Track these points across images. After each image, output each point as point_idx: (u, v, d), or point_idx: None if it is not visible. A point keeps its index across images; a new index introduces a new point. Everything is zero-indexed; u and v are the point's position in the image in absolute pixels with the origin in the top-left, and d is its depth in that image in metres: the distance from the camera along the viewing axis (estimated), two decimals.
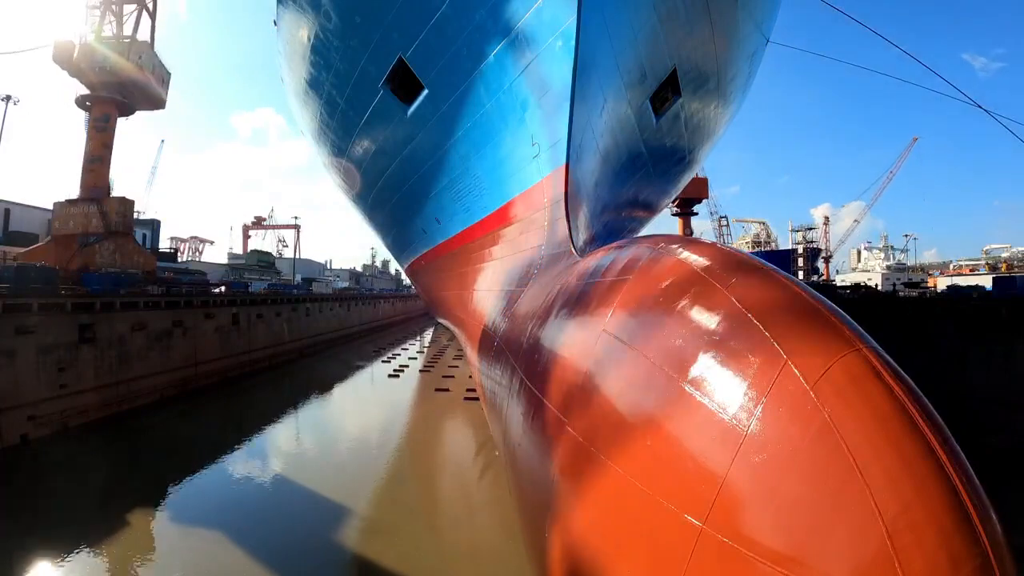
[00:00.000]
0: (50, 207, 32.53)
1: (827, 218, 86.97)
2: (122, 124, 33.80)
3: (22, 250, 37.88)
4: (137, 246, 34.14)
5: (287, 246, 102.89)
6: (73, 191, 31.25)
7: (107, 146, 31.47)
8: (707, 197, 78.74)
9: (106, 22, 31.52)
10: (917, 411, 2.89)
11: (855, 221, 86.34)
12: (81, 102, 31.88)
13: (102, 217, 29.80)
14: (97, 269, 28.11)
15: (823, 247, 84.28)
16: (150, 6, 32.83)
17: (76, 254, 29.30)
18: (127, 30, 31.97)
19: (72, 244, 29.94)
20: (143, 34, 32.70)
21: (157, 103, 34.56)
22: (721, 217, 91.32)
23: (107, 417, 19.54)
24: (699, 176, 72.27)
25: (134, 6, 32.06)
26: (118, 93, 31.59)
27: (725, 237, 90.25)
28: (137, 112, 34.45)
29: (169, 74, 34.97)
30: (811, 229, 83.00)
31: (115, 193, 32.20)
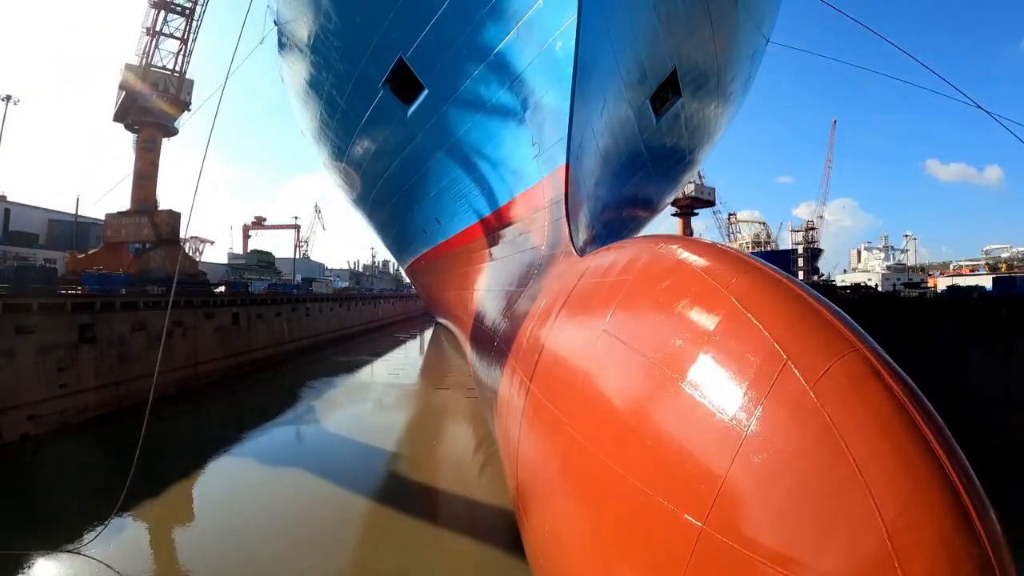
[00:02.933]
0: (50, 207, 33.47)
1: (821, 217, 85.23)
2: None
3: (24, 251, 38.69)
4: (185, 253, 37.43)
5: (303, 244, 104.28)
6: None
7: (154, 164, 35.03)
8: (713, 204, 78.69)
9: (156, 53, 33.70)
10: (917, 411, 2.89)
11: (820, 216, 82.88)
12: (130, 125, 35.00)
13: (153, 228, 33.49)
14: (152, 273, 30.74)
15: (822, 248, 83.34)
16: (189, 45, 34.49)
17: (133, 260, 33.18)
18: (178, 65, 34.13)
19: (122, 251, 34.12)
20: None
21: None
22: (730, 214, 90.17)
23: (107, 414, 19.65)
24: (705, 184, 72.89)
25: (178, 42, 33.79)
26: (163, 119, 34.66)
27: (733, 235, 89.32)
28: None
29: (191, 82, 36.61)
30: (811, 229, 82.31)
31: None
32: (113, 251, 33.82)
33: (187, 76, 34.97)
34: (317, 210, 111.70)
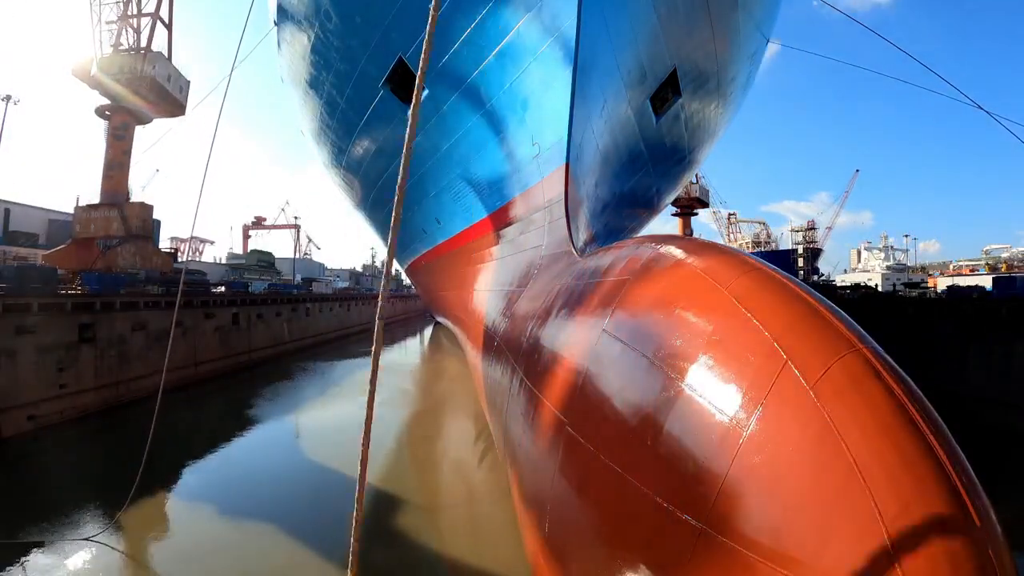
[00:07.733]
0: (50, 207, 33.13)
1: (829, 228, 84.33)
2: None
3: (24, 251, 38.31)
4: (156, 248, 35.44)
5: (310, 244, 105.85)
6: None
7: (126, 153, 32.94)
8: (707, 206, 79.10)
9: (122, 36, 32.43)
10: (917, 411, 2.88)
11: (827, 228, 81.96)
12: (100, 112, 33.03)
13: (123, 221, 31.15)
14: (121, 271, 28.99)
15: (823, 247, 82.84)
16: (165, 19, 33.33)
17: (99, 256, 30.61)
18: (142, 41, 32.71)
19: (92, 247, 31.29)
20: (158, 45, 33.26)
21: (174, 111, 35.15)
22: (730, 213, 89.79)
23: (106, 411, 19.76)
24: (702, 187, 73.26)
25: (148, 20, 32.60)
26: (134, 105, 32.73)
27: (732, 235, 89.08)
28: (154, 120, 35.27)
29: (188, 82, 35.46)
30: (811, 230, 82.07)
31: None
32: (83, 247, 31.37)
33: (183, 75, 33.88)
34: (287, 208, 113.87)
